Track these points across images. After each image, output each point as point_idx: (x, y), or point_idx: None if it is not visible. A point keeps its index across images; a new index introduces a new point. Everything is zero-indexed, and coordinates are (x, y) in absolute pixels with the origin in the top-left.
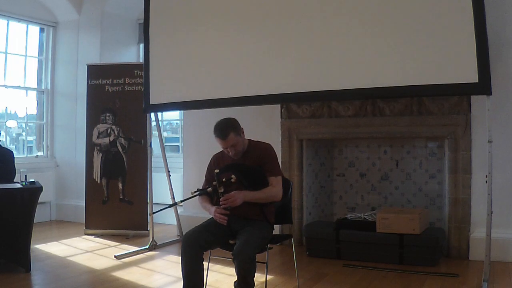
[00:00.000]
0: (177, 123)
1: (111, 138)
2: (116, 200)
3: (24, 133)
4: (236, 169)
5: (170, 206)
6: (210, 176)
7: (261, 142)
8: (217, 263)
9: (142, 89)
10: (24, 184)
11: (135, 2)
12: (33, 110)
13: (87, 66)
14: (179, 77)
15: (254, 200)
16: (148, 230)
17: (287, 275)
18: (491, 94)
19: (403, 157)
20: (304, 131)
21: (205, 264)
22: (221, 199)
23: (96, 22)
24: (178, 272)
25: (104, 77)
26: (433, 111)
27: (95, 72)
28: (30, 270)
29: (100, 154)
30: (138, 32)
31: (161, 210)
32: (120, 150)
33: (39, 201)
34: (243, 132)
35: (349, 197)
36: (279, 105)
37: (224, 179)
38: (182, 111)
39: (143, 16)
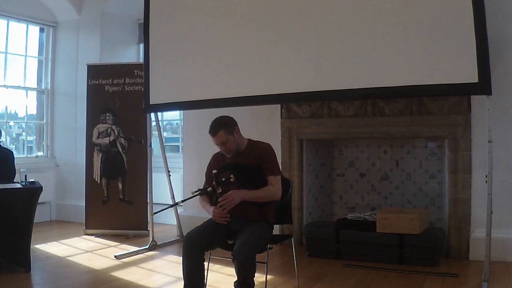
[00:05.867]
0: (177, 123)
1: (111, 138)
2: (116, 200)
3: (24, 133)
4: (235, 168)
5: (170, 206)
6: (210, 176)
7: (261, 141)
8: (217, 263)
9: (142, 89)
10: (24, 184)
11: (135, 2)
12: (33, 110)
13: (87, 66)
14: (179, 77)
15: (253, 199)
16: (148, 230)
17: (287, 275)
18: (491, 94)
19: (403, 157)
20: (304, 131)
21: (205, 264)
22: (219, 199)
23: (96, 22)
24: (178, 272)
25: (104, 77)
26: (433, 111)
27: (95, 72)
28: (30, 270)
29: (100, 154)
30: (138, 32)
31: (162, 210)
32: (120, 150)
33: (39, 201)
34: (238, 131)
35: (349, 197)
36: (279, 105)
37: (223, 179)
38: (182, 111)
39: (143, 16)
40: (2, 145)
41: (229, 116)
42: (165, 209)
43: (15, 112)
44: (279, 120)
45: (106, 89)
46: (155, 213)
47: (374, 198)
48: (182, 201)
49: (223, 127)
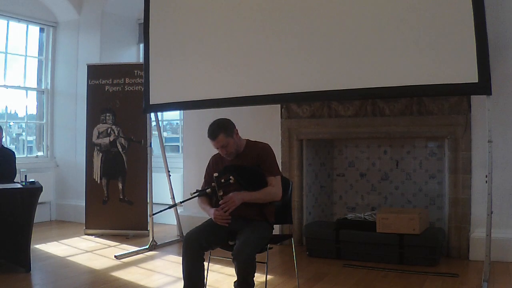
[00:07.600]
0: (177, 123)
1: (111, 138)
2: (116, 200)
3: (24, 133)
4: (235, 170)
5: (170, 207)
6: (209, 177)
7: (259, 142)
8: (217, 263)
9: (142, 89)
10: (24, 184)
11: (135, 2)
12: (33, 110)
13: (87, 66)
14: (179, 77)
15: (253, 200)
16: (148, 230)
17: (287, 275)
18: (491, 94)
19: (403, 157)
20: (304, 131)
21: (205, 264)
22: (220, 202)
23: (96, 22)
24: (178, 272)
25: (104, 77)
26: (433, 111)
27: (95, 72)
28: (30, 270)
29: (100, 154)
30: (138, 32)
31: (161, 211)
32: (120, 150)
33: (39, 201)
34: (237, 133)
35: (349, 197)
36: (279, 105)
37: (222, 180)
38: (182, 111)
39: (143, 16)
40: (4, 146)
41: (226, 118)
42: (164, 210)
43: (15, 112)
44: (279, 120)
45: (106, 89)
46: (154, 214)
47: (374, 198)
48: (181, 202)
49: (222, 131)
